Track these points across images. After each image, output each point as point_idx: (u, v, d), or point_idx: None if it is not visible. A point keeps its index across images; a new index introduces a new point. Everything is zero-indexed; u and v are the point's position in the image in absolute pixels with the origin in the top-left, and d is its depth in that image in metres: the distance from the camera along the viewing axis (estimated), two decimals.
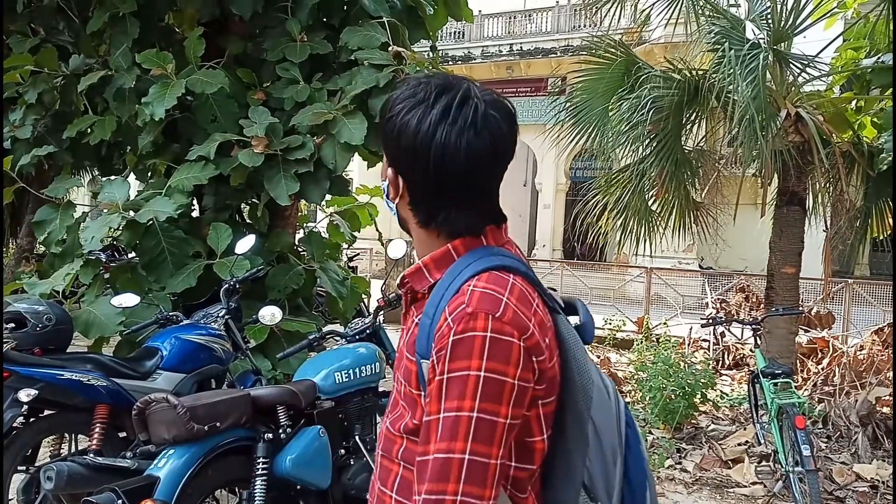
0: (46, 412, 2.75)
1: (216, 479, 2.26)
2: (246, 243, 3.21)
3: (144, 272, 3.69)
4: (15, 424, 2.58)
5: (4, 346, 2.59)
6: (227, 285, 3.16)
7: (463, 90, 0.95)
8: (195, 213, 4.23)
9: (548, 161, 15.92)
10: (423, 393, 0.92)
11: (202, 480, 2.14)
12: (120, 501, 1.90)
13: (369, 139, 3.67)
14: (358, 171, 15.12)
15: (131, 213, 3.56)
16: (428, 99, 0.94)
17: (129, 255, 4.16)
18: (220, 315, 3.10)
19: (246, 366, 3.32)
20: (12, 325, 2.66)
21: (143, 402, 2.15)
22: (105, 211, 3.65)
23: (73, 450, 2.94)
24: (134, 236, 3.62)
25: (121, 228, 3.57)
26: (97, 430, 2.66)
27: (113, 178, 4.33)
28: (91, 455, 2.51)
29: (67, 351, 2.85)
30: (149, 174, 4.34)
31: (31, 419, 2.69)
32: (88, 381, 2.64)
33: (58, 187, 3.88)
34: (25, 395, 2.50)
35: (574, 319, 1.05)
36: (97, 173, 5.32)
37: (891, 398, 5.43)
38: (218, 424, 2.15)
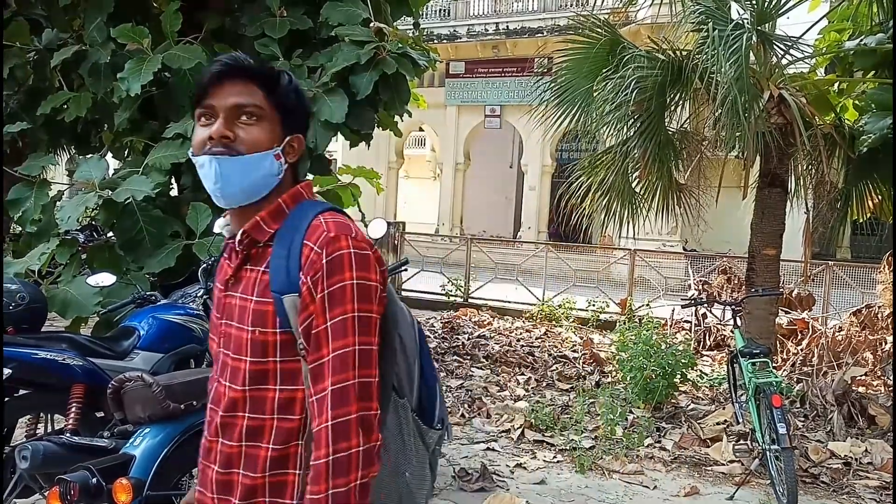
0: (21, 392, 2.71)
1: (194, 458, 2.22)
2: (224, 222, 3.15)
3: (122, 252, 3.64)
4: None
5: None
6: (205, 265, 3.12)
7: None
8: (174, 192, 4.17)
9: (534, 142, 15.88)
10: (279, 331, 1.09)
11: (179, 458, 2.13)
12: (94, 479, 1.88)
13: (350, 117, 3.62)
14: (341, 151, 15.00)
15: (108, 192, 3.49)
16: None
17: (108, 235, 4.10)
18: (199, 295, 3.06)
19: None
20: None
21: (118, 381, 2.13)
22: (82, 190, 3.58)
23: (49, 430, 2.92)
24: (111, 215, 3.56)
25: (97, 207, 3.51)
26: (73, 409, 2.63)
27: (89, 156, 4.25)
28: (67, 434, 2.49)
29: (43, 330, 2.81)
30: (126, 152, 4.27)
31: (6, 399, 2.65)
32: (63, 360, 2.60)
33: (32, 165, 3.79)
34: None
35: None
36: (74, 151, 5.22)
37: (866, 377, 5.53)
38: (194, 403, 2.13)
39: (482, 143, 19.42)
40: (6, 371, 2.47)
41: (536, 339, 7.73)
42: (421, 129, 21.26)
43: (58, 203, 3.73)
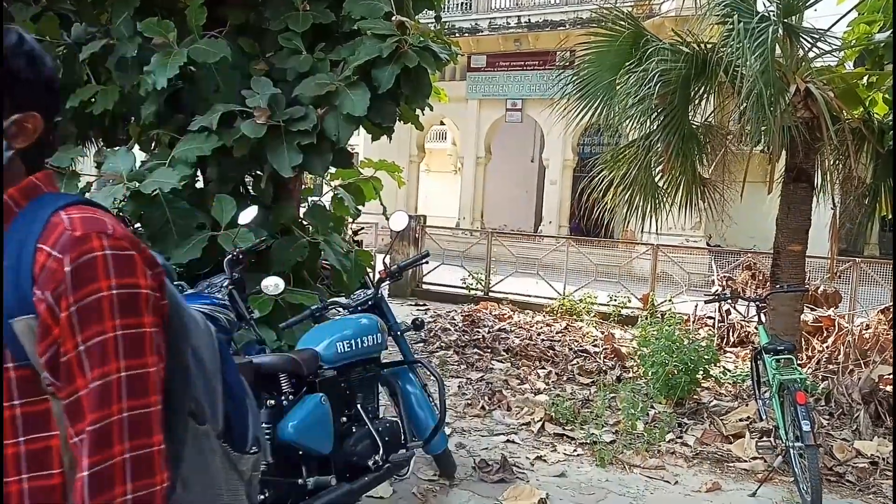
0: None
1: None
2: (248, 214, 3.21)
3: (149, 243, 3.71)
4: None
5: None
6: (230, 256, 3.18)
7: None
8: (199, 185, 4.23)
9: (555, 136, 15.79)
10: (13, 365, 0.84)
11: None
12: None
13: (372, 111, 3.64)
14: (363, 145, 15.07)
15: (135, 183, 3.56)
16: None
17: (135, 226, 4.18)
18: (224, 285, 3.11)
19: (251, 336, 3.35)
20: None
21: None
22: (110, 182, 3.66)
23: None
24: (139, 207, 3.63)
25: (125, 199, 3.58)
26: None
27: (117, 148, 4.33)
28: None
29: None
30: (152, 145, 4.34)
31: None
32: None
33: (62, 157, 3.88)
34: None
35: None
36: (102, 144, 5.32)
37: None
38: None
39: (503, 137, 19.37)
40: None
41: (557, 333, 7.72)
42: (442, 123, 21.26)
43: (87, 194, 3.80)
